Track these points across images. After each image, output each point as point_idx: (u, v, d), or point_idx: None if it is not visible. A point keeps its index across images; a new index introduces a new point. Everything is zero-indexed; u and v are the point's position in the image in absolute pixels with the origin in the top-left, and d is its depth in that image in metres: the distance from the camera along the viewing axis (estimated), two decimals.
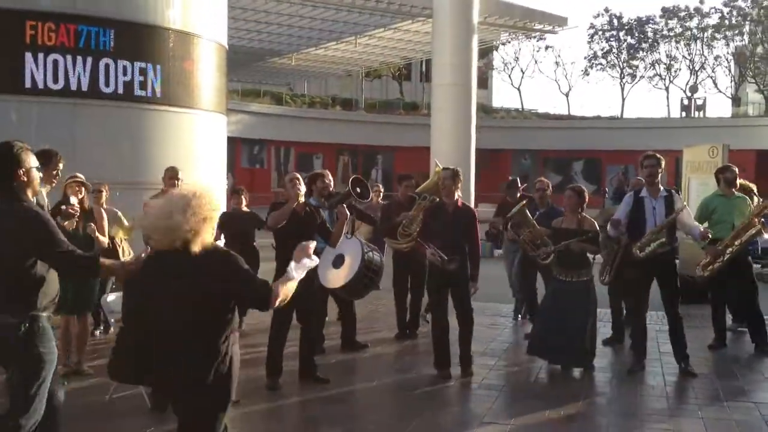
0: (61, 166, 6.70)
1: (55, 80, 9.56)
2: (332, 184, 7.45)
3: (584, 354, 7.25)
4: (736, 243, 7.94)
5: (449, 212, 7.18)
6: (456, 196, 7.23)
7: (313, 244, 3.69)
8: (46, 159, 6.73)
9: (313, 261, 3.63)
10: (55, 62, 9.55)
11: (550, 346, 7.37)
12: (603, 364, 7.64)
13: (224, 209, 8.98)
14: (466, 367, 7.13)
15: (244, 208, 9.24)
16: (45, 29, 9.46)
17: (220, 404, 3.53)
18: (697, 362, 7.47)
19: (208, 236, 3.45)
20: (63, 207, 6.64)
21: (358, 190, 7.00)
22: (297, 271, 3.58)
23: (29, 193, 3.92)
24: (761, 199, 8.78)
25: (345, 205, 6.71)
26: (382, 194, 10.77)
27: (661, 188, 7.40)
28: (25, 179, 3.87)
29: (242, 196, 9.32)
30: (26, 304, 3.83)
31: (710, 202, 8.54)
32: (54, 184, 6.74)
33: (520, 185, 10.09)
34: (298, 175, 6.76)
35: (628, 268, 7.49)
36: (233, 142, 31.87)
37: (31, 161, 3.91)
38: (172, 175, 8.53)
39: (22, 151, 3.88)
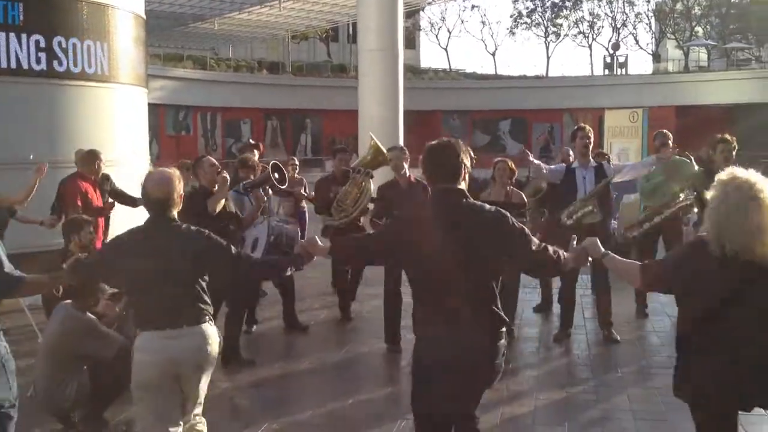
0: None
1: None
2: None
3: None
4: (664, 213, 7.90)
5: (403, 189, 7.25)
6: (407, 172, 7.39)
7: None
8: None
9: None
10: None
11: None
12: (531, 333, 7.79)
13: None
14: None
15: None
16: None
17: None
18: (621, 329, 7.63)
19: None
20: None
21: (276, 175, 6.95)
22: None
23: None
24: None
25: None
26: (298, 168, 10.44)
27: (591, 159, 7.50)
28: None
29: None
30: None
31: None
32: None
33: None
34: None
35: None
36: (156, 109, 31.11)
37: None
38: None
39: (465, 153, 3.69)
